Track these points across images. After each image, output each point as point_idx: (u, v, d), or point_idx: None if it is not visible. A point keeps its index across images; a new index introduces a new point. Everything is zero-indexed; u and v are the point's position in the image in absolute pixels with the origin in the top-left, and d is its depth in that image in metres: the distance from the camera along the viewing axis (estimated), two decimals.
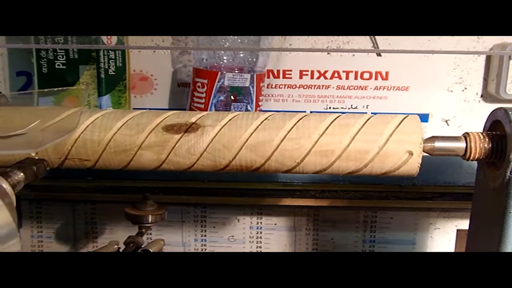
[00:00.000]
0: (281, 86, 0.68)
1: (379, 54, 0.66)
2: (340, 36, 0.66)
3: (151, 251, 0.55)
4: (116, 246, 0.57)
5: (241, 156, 0.42)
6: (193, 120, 0.43)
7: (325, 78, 0.67)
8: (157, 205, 0.59)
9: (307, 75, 0.67)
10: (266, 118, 0.43)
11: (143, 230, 0.59)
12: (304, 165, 0.42)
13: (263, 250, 0.75)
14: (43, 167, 0.40)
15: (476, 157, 0.42)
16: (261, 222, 0.74)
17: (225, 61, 0.59)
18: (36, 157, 0.41)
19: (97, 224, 0.75)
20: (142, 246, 0.57)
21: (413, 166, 0.41)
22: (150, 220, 0.58)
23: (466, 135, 0.43)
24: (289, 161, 0.42)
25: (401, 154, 0.41)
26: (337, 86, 0.67)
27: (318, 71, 0.67)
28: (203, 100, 0.60)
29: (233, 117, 0.43)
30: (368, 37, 0.66)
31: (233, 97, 0.60)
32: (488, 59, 0.66)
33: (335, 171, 0.42)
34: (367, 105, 0.68)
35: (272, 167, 0.43)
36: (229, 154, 0.42)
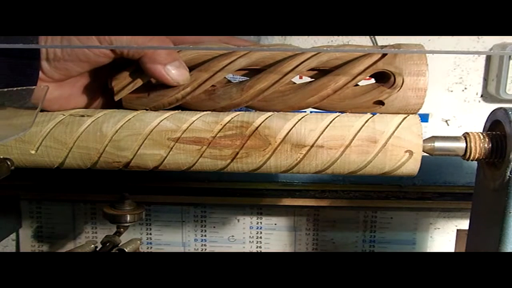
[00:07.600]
0: None
1: None
2: (340, 36, 0.66)
3: (127, 250, 0.55)
4: (93, 245, 0.57)
5: None
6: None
7: None
8: (136, 205, 0.60)
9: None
10: (266, 118, 0.42)
11: (121, 229, 0.59)
12: (304, 165, 0.42)
13: (263, 250, 0.75)
14: (6, 166, 0.39)
15: (476, 157, 0.42)
16: (261, 222, 0.74)
17: None
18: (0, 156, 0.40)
19: (97, 224, 0.76)
20: (119, 245, 0.57)
21: (413, 166, 0.41)
22: (128, 220, 0.58)
23: (466, 135, 0.43)
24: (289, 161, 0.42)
25: (401, 154, 0.41)
26: None
27: None
28: None
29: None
30: (368, 37, 0.66)
31: None
32: (488, 59, 0.66)
33: (335, 171, 0.42)
34: None
35: (272, 167, 0.43)
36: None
